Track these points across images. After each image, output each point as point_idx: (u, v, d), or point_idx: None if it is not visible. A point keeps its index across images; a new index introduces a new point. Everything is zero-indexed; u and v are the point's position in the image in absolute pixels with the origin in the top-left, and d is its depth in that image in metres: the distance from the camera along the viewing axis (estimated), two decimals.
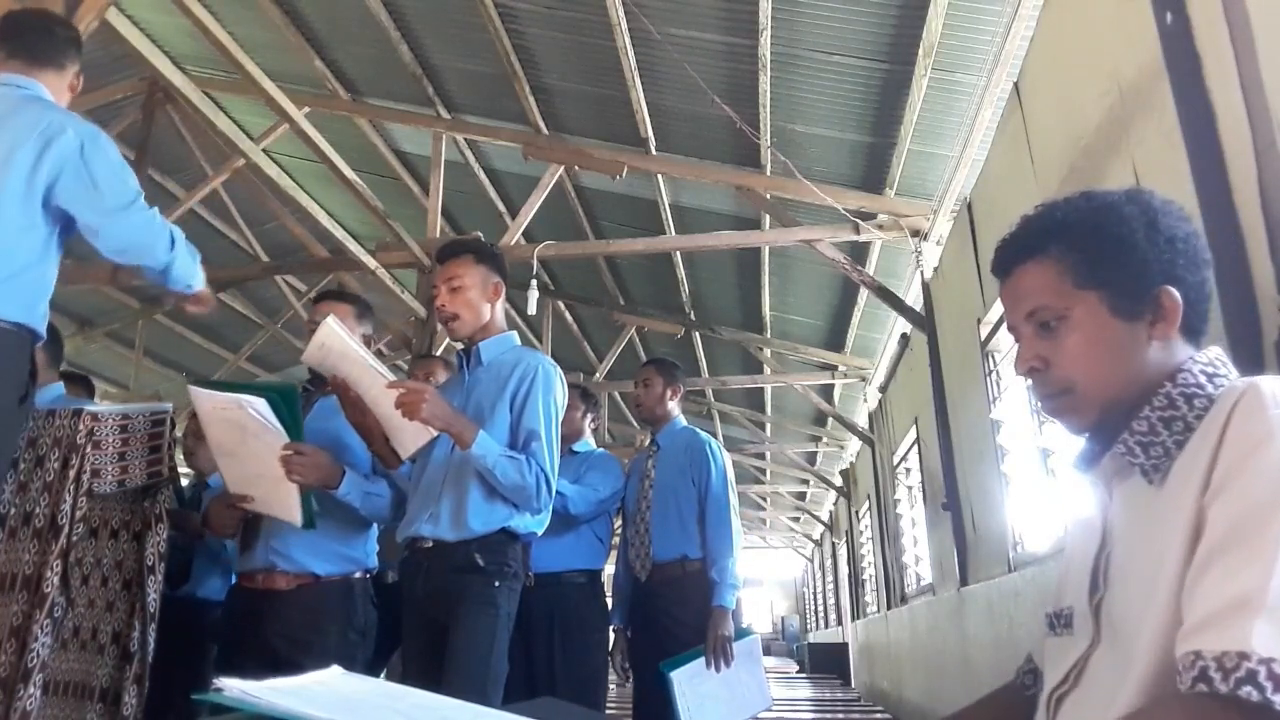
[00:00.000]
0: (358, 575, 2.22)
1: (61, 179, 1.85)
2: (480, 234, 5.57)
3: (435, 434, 1.99)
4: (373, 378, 1.99)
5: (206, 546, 2.92)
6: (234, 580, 2.36)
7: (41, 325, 1.89)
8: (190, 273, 2.07)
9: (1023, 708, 1.06)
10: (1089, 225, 0.90)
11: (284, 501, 2.04)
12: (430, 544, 2.02)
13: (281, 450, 1.98)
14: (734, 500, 3.06)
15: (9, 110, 1.86)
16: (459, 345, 2.25)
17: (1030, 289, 0.93)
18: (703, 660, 2.73)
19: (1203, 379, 0.85)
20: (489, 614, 1.95)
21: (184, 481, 3.21)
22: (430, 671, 1.91)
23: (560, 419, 2.13)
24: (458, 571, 1.97)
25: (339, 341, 1.99)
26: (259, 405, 1.96)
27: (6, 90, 1.92)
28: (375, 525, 2.29)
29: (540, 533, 2.12)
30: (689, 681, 2.65)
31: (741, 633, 2.88)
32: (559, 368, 2.18)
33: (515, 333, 2.26)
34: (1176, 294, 0.87)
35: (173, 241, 2.00)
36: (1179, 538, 0.77)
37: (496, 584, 1.97)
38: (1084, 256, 0.90)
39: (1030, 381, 0.95)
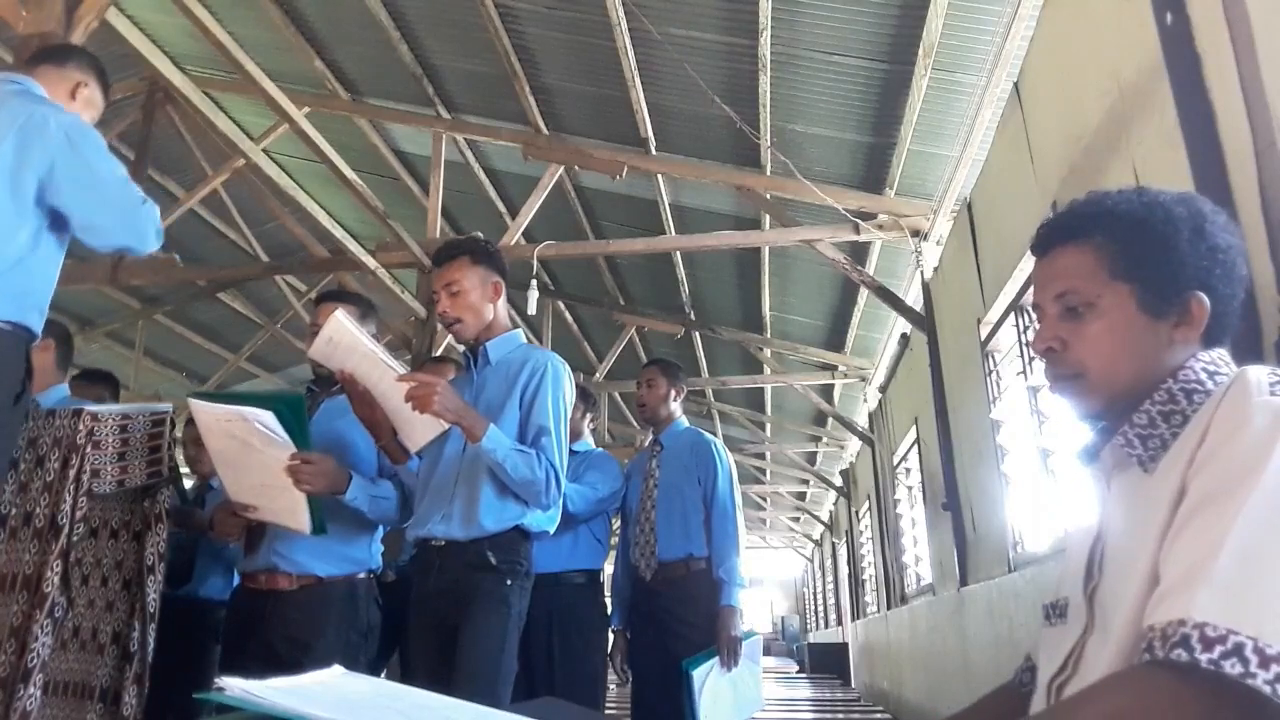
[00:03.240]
0: (361, 576, 2.21)
1: (55, 176, 1.81)
2: (480, 233, 5.57)
3: (446, 427, 1.98)
4: (383, 371, 1.97)
5: (209, 545, 2.92)
6: (237, 580, 2.36)
7: (36, 323, 1.85)
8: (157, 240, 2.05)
9: (1021, 706, 1.07)
10: (1136, 219, 0.91)
11: (291, 510, 2.02)
12: (443, 542, 2.01)
13: (288, 460, 1.96)
14: (739, 500, 3.07)
15: None
16: (462, 347, 2.25)
17: (1065, 270, 0.94)
18: (717, 660, 2.75)
19: (1203, 375, 0.87)
20: (501, 612, 1.94)
21: (187, 483, 3.21)
22: (438, 669, 1.91)
23: (569, 416, 2.13)
24: (470, 569, 1.96)
25: (348, 335, 1.97)
26: (265, 419, 1.94)
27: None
28: (381, 526, 2.29)
29: (552, 531, 2.12)
30: (705, 680, 2.67)
31: (746, 634, 2.90)
32: (568, 365, 2.18)
33: (521, 330, 2.26)
34: (1206, 301, 0.88)
35: (158, 225, 1.97)
36: (1161, 516, 0.78)
37: (509, 582, 1.97)
38: (1124, 248, 0.91)
39: (1044, 361, 0.97)
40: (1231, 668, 0.64)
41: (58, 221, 1.89)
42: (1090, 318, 0.92)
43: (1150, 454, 0.86)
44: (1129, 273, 0.90)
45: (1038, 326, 0.97)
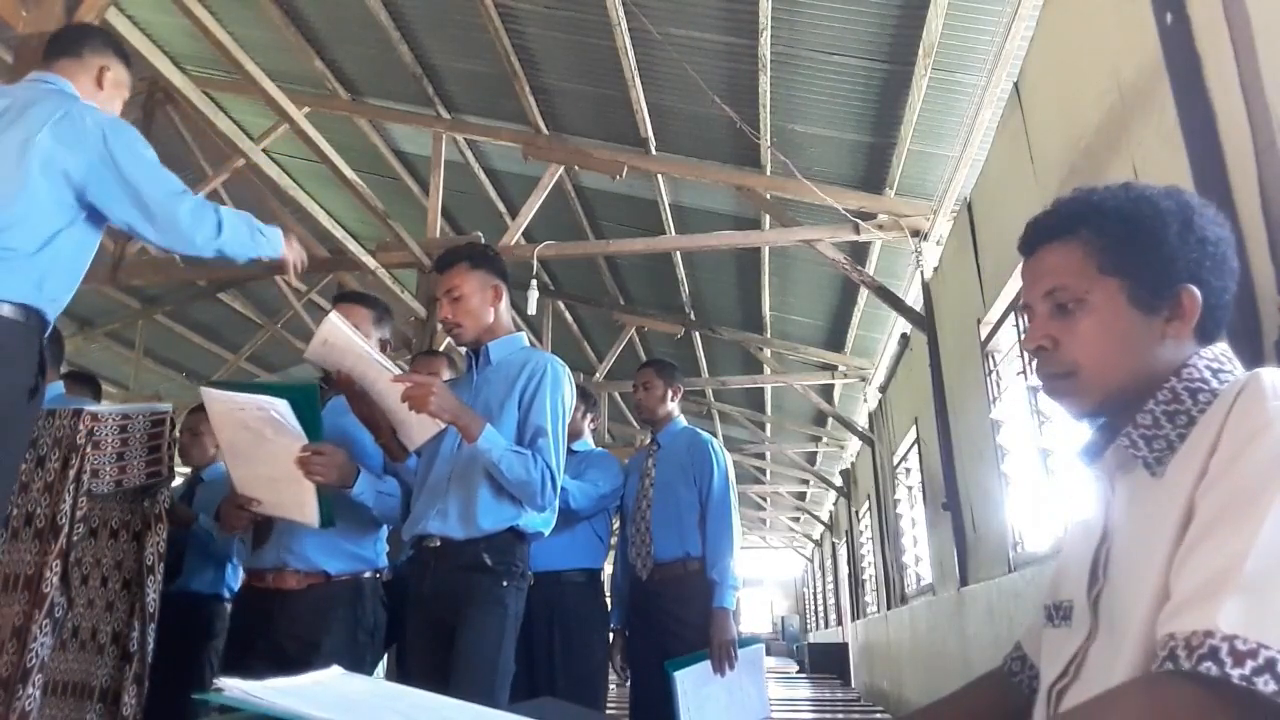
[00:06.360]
0: (368, 575, 2.22)
1: (92, 176, 1.84)
2: (480, 234, 5.57)
3: (443, 426, 1.99)
4: (378, 372, 2.00)
5: (197, 540, 2.92)
6: (241, 580, 2.36)
7: (51, 313, 1.84)
8: (248, 245, 2.07)
9: (1009, 693, 1.06)
10: (1124, 213, 0.90)
11: (299, 502, 2.03)
12: (438, 543, 2.01)
13: (300, 451, 1.97)
14: (734, 500, 3.07)
15: (31, 100, 1.88)
16: (464, 349, 2.26)
17: (1053, 268, 0.93)
18: (707, 663, 2.72)
19: (1207, 374, 0.85)
20: (497, 613, 1.95)
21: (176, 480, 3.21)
22: (436, 671, 1.91)
23: (568, 418, 2.14)
24: (465, 571, 1.97)
25: (342, 337, 1.99)
26: (281, 407, 1.94)
27: (32, 85, 1.97)
28: (386, 525, 2.29)
29: (547, 532, 2.12)
30: (692, 682, 2.63)
31: (747, 640, 2.88)
32: (567, 367, 2.18)
33: (524, 333, 2.27)
34: (1198, 294, 0.87)
35: (219, 226, 1.99)
36: (1171, 525, 0.77)
37: (505, 583, 1.97)
38: (1113, 243, 0.89)
39: (1035, 360, 0.95)
40: (1265, 685, 0.63)
41: (93, 218, 1.91)
42: (1080, 314, 0.90)
43: (1156, 456, 0.84)
44: (1118, 268, 0.89)
45: (1028, 326, 0.96)
